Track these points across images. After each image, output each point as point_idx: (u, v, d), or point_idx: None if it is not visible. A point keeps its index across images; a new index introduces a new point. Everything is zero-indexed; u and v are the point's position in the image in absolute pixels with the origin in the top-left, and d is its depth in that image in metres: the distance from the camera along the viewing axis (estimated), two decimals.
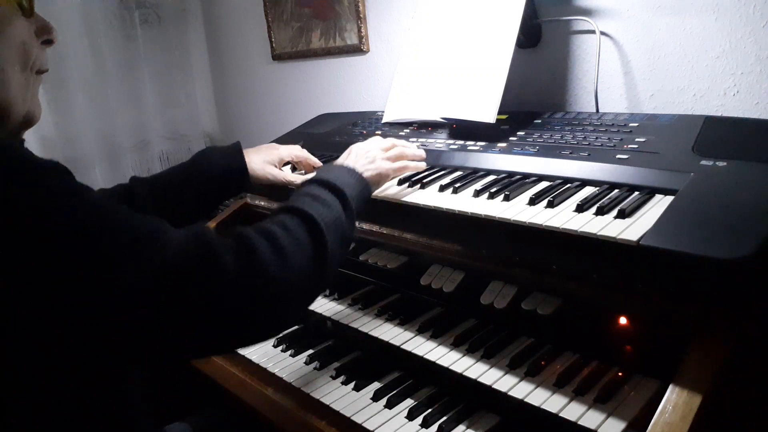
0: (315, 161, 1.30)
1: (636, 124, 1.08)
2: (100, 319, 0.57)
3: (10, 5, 0.65)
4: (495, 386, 0.85)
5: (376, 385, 1.02)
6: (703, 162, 0.87)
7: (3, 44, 0.64)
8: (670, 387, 0.69)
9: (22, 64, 0.67)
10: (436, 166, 1.17)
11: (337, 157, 1.34)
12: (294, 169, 1.33)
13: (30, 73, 0.69)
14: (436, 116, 1.31)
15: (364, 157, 0.99)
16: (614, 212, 0.82)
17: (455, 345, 0.96)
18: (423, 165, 1.09)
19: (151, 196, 1.11)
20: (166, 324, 0.61)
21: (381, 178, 1.00)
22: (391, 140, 1.07)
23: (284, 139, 1.65)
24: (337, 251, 0.79)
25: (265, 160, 1.22)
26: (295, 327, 1.26)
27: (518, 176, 1.03)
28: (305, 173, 1.31)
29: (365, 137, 1.42)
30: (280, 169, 1.26)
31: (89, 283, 0.56)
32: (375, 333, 1.05)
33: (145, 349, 0.63)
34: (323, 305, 1.18)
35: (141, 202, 1.10)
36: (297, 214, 0.77)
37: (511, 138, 1.17)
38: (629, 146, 0.99)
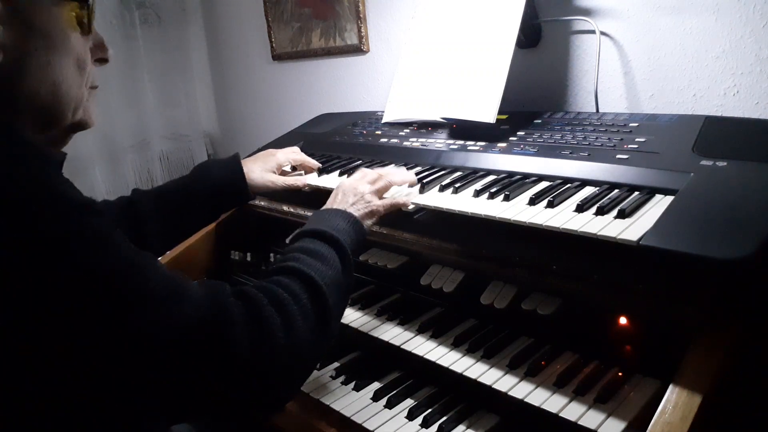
0: (313, 163, 1.30)
1: (636, 124, 1.08)
2: (112, 367, 0.57)
3: (69, 21, 0.66)
4: (495, 386, 0.85)
5: (376, 385, 1.02)
6: (703, 162, 0.87)
7: (58, 57, 0.65)
8: (670, 387, 0.69)
9: (79, 77, 0.68)
10: (436, 166, 1.17)
11: (337, 157, 1.35)
12: (293, 169, 1.33)
13: (85, 88, 0.70)
14: (436, 116, 1.31)
15: (351, 194, 0.97)
16: (614, 212, 0.82)
17: (455, 345, 0.96)
18: (413, 197, 1.03)
19: (153, 208, 1.12)
20: (166, 383, 0.60)
21: (373, 215, 0.97)
22: (376, 171, 1.04)
23: (284, 139, 1.65)
24: (338, 308, 0.80)
25: (264, 169, 1.23)
26: None
27: (518, 176, 1.03)
28: (304, 173, 1.31)
29: (365, 137, 1.42)
30: (279, 174, 1.26)
31: (102, 329, 0.56)
32: (375, 333, 1.05)
33: (146, 405, 0.62)
34: None
35: (144, 214, 1.12)
36: (299, 277, 0.76)
37: (511, 138, 1.17)
38: (629, 146, 0.99)
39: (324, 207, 0.97)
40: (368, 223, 0.96)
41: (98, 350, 0.56)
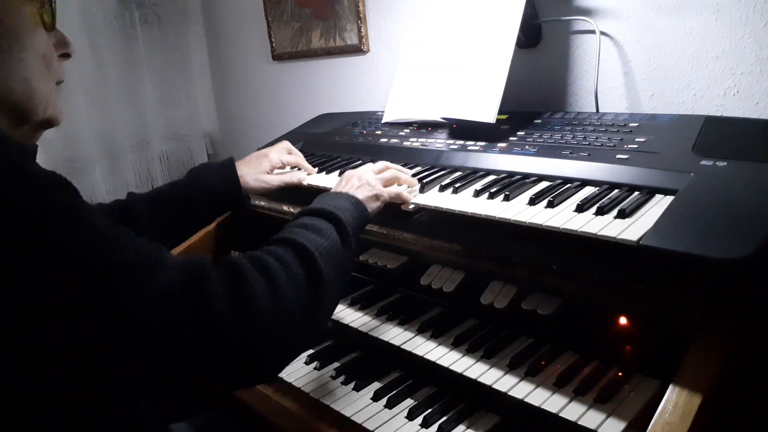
0: (307, 165, 1.30)
1: (636, 124, 1.08)
2: (90, 339, 0.57)
3: (33, 18, 0.68)
4: (495, 386, 0.85)
5: (376, 385, 1.02)
6: (703, 162, 0.87)
7: (27, 56, 0.67)
8: (670, 387, 0.69)
9: (45, 74, 0.70)
10: (436, 166, 1.17)
11: (337, 157, 1.35)
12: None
13: (52, 83, 0.72)
14: (436, 116, 1.31)
15: (356, 179, 0.97)
16: (614, 212, 0.82)
17: (455, 345, 0.96)
18: (416, 193, 1.04)
19: (149, 213, 1.12)
20: (147, 354, 0.59)
21: (378, 199, 0.96)
22: (383, 162, 1.04)
23: (284, 139, 1.65)
24: (334, 281, 0.76)
25: (257, 171, 1.23)
26: None
27: (518, 176, 1.03)
28: (299, 170, 1.31)
29: (365, 137, 1.42)
30: (272, 173, 1.26)
31: (81, 302, 0.56)
32: (375, 333, 1.05)
33: (132, 378, 0.62)
34: None
35: (139, 218, 1.11)
36: (291, 245, 0.74)
37: (511, 138, 1.17)
38: (629, 146, 0.99)
39: (326, 192, 0.97)
40: (372, 206, 0.95)
41: (73, 323, 0.56)
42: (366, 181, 0.96)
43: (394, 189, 1.00)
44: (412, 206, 1.02)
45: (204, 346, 0.61)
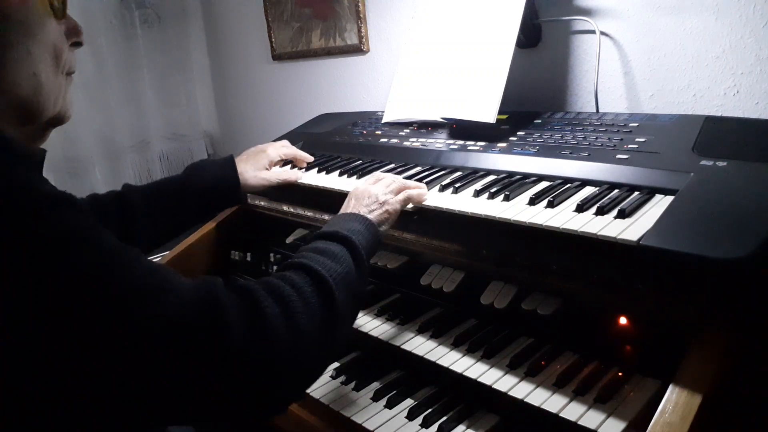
0: (304, 155, 1.29)
1: (636, 124, 1.08)
2: (99, 368, 0.55)
3: (42, 7, 0.65)
4: (495, 386, 0.85)
5: (376, 385, 1.02)
6: (703, 162, 0.87)
7: (36, 46, 0.64)
8: (670, 387, 0.69)
9: (55, 66, 0.66)
10: (436, 166, 1.17)
11: (337, 157, 1.35)
12: (286, 163, 1.34)
13: (62, 75, 0.68)
14: (436, 116, 1.31)
15: (365, 197, 0.94)
16: (614, 212, 0.82)
17: (455, 345, 0.96)
18: (426, 195, 1.02)
19: (143, 204, 1.11)
20: (158, 382, 0.57)
21: (390, 215, 0.94)
22: (389, 175, 1.02)
23: (284, 139, 1.65)
24: (348, 309, 0.75)
25: (256, 168, 1.23)
26: None
27: (518, 176, 1.03)
28: (299, 168, 1.31)
29: (365, 137, 1.42)
30: (271, 169, 1.26)
31: (85, 327, 0.54)
32: (375, 333, 1.05)
33: (142, 406, 0.59)
34: None
35: (135, 211, 1.10)
36: (305, 270, 0.72)
37: (511, 138, 1.17)
38: (629, 146, 0.99)
39: (339, 213, 0.95)
40: (385, 227, 0.93)
41: (82, 348, 0.54)
42: (375, 198, 0.94)
43: (401, 196, 0.97)
44: (410, 205, 1.02)
45: (217, 378, 0.59)
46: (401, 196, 0.97)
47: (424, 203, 1.00)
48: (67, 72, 0.70)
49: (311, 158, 1.30)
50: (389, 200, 0.95)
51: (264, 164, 1.24)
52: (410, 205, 1.01)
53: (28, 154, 0.66)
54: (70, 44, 0.70)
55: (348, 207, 0.94)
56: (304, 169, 1.30)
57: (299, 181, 1.25)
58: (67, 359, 0.54)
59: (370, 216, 0.91)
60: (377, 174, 1.04)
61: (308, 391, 1.02)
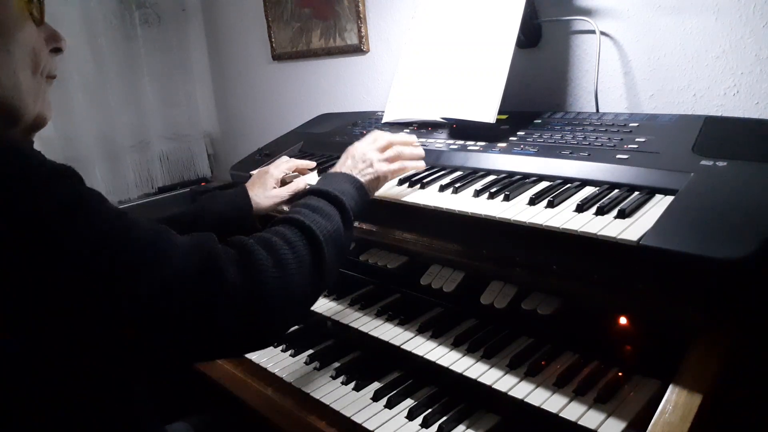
0: (306, 164, 1.30)
1: (636, 124, 1.08)
2: (103, 323, 0.59)
3: (21, 12, 0.67)
4: (495, 386, 0.85)
5: (376, 385, 1.02)
6: (703, 162, 0.87)
7: (15, 49, 0.66)
8: (670, 387, 0.69)
9: (33, 68, 0.69)
10: (436, 166, 1.17)
11: (337, 157, 1.35)
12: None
13: (41, 77, 0.71)
14: (436, 116, 1.31)
15: (361, 161, 1.00)
16: (614, 212, 0.82)
17: (455, 345, 0.96)
18: (422, 165, 1.08)
19: None
20: (167, 331, 0.63)
21: (379, 182, 1.00)
22: (387, 138, 1.05)
23: (284, 139, 1.65)
24: (334, 261, 0.82)
25: (265, 190, 1.23)
26: (296, 327, 1.26)
27: (518, 176, 1.03)
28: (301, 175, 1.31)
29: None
30: (279, 186, 1.26)
31: (93, 289, 0.57)
32: (375, 333, 1.05)
33: (146, 353, 0.65)
34: (323, 305, 1.18)
35: None
36: (297, 225, 0.79)
37: (511, 138, 1.17)
38: (629, 146, 0.99)
39: (333, 169, 1.00)
40: (374, 188, 1.00)
41: (86, 311, 0.58)
42: (370, 163, 1.00)
43: (395, 165, 1.03)
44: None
45: (214, 317, 0.65)
46: (395, 166, 1.03)
47: (424, 203, 1.00)
48: (48, 75, 0.73)
49: (313, 164, 1.30)
50: (383, 168, 1.00)
51: (271, 184, 1.25)
52: (409, 200, 1.02)
53: (18, 143, 0.67)
54: (51, 50, 0.73)
55: (344, 165, 1.00)
56: (316, 172, 1.29)
57: (307, 184, 1.24)
58: (66, 321, 0.58)
59: (363, 179, 0.97)
60: (377, 132, 1.07)
61: (309, 391, 1.03)
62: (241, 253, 0.71)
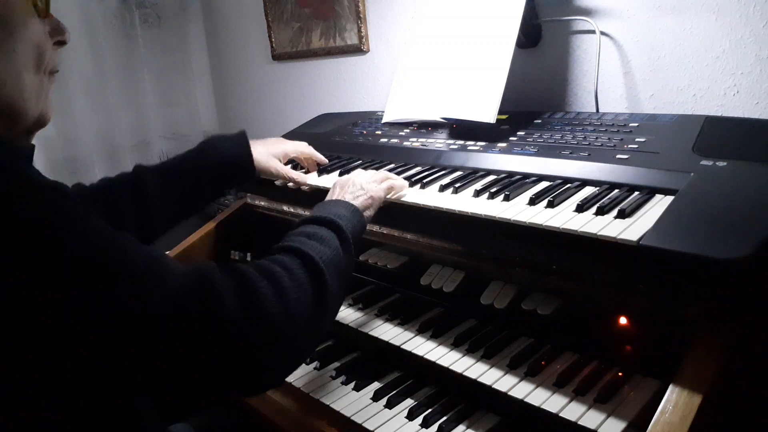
0: (321, 158, 1.30)
1: (636, 124, 1.08)
2: (96, 349, 0.57)
3: (25, 6, 0.65)
4: (495, 386, 0.85)
5: (376, 385, 1.02)
6: (703, 162, 0.87)
7: (18, 46, 0.64)
8: (670, 387, 0.69)
9: (37, 65, 0.67)
10: (436, 166, 1.17)
11: (338, 157, 1.35)
12: (296, 168, 1.33)
13: (44, 74, 0.69)
14: (436, 116, 1.31)
15: (350, 186, 0.98)
16: (614, 212, 0.82)
17: (455, 345, 0.96)
18: (407, 184, 1.07)
19: (159, 184, 1.10)
20: (158, 365, 0.59)
21: (373, 202, 0.98)
22: (372, 171, 1.06)
23: (284, 140, 1.64)
24: (336, 289, 0.78)
25: (270, 152, 1.22)
26: None
27: (518, 176, 1.03)
28: (307, 172, 1.30)
29: (365, 137, 1.42)
30: (283, 164, 1.25)
31: (85, 312, 0.55)
32: (375, 333, 1.05)
33: (139, 386, 0.62)
34: None
35: (149, 190, 1.09)
36: (296, 253, 0.75)
37: (511, 138, 1.17)
38: (629, 146, 0.99)
39: (324, 200, 0.98)
40: (368, 213, 0.97)
41: (81, 333, 0.55)
42: (360, 186, 0.98)
43: (384, 184, 1.01)
44: (392, 195, 1.04)
45: (214, 350, 0.61)
46: (384, 185, 1.01)
47: (424, 203, 1.00)
48: (50, 71, 0.70)
49: (326, 161, 1.29)
50: (373, 188, 0.99)
51: (278, 153, 1.24)
52: (409, 200, 1.02)
53: (16, 147, 0.66)
54: (54, 43, 0.71)
55: (333, 195, 0.99)
56: (315, 174, 1.29)
57: (306, 182, 1.24)
58: (62, 341, 0.55)
59: (355, 202, 0.94)
60: (359, 170, 1.07)
61: (309, 391, 1.03)
62: (240, 282, 0.66)
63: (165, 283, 0.59)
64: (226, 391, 0.67)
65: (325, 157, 1.36)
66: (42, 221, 0.54)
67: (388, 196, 1.02)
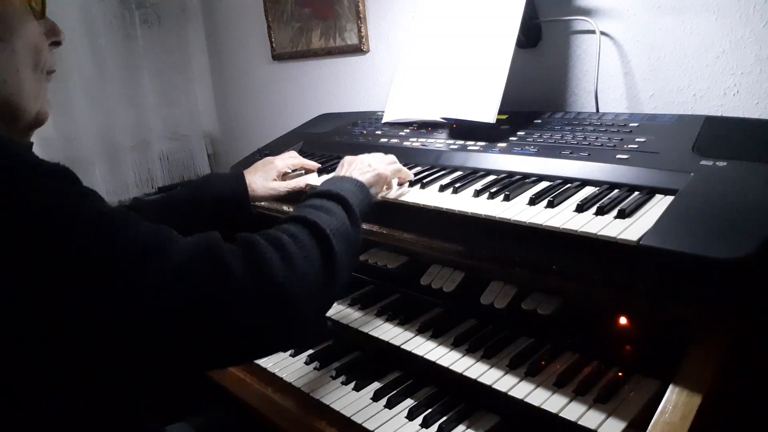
0: (311, 164, 1.30)
1: (636, 124, 1.08)
2: (106, 327, 0.57)
3: (22, 7, 0.66)
4: (495, 386, 0.85)
5: (376, 385, 1.02)
6: (703, 162, 0.87)
7: (16, 45, 0.65)
8: (670, 387, 0.69)
9: (35, 64, 0.68)
10: (436, 166, 1.17)
11: (338, 157, 1.35)
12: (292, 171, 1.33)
13: (41, 73, 0.70)
14: (436, 116, 1.31)
15: (357, 163, 1.00)
16: (614, 212, 0.82)
17: (455, 345, 0.96)
18: (411, 174, 1.10)
19: (157, 217, 1.11)
20: (172, 334, 0.60)
21: (380, 179, 1.00)
22: (380, 153, 1.08)
23: (284, 140, 1.65)
24: (345, 258, 0.78)
25: (265, 179, 1.23)
26: None
27: (518, 176, 1.03)
28: (305, 173, 1.30)
29: (365, 137, 1.42)
30: (280, 179, 1.26)
31: (95, 290, 0.56)
32: (375, 333, 1.05)
33: (150, 359, 0.62)
34: None
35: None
36: (302, 222, 0.76)
37: (511, 138, 1.17)
38: (629, 146, 0.99)
39: (331, 176, 1.00)
40: (375, 191, 0.99)
41: (88, 310, 0.56)
42: (368, 164, 1.00)
43: (393, 166, 1.04)
44: (394, 189, 1.07)
45: (224, 318, 0.62)
46: (393, 166, 1.04)
47: (424, 203, 1.00)
48: (47, 71, 0.72)
49: (317, 165, 1.30)
50: (381, 166, 1.01)
51: (272, 175, 1.25)
52: (409, 200, 1.02)
53: (16, 142, 0.66)
54: (50, 43, 0.73)
55: (341, 171, 1.01)
56: (315, 174, 1.29)
57: (307, 184, 1.24)
58: (67, 322, 0.56)
59: (362, 178, 0.96)
60: (366, 154, 1.08)
61: (309, 390, 1.03)
62: (246, 249, 0.67)
63: (172, 253, 0.61)
64: (237, 357, 0.69)
65: (326, 158, 1.36)
66: (47, 204, 0.55)
67: (393, 185, 1.05)
